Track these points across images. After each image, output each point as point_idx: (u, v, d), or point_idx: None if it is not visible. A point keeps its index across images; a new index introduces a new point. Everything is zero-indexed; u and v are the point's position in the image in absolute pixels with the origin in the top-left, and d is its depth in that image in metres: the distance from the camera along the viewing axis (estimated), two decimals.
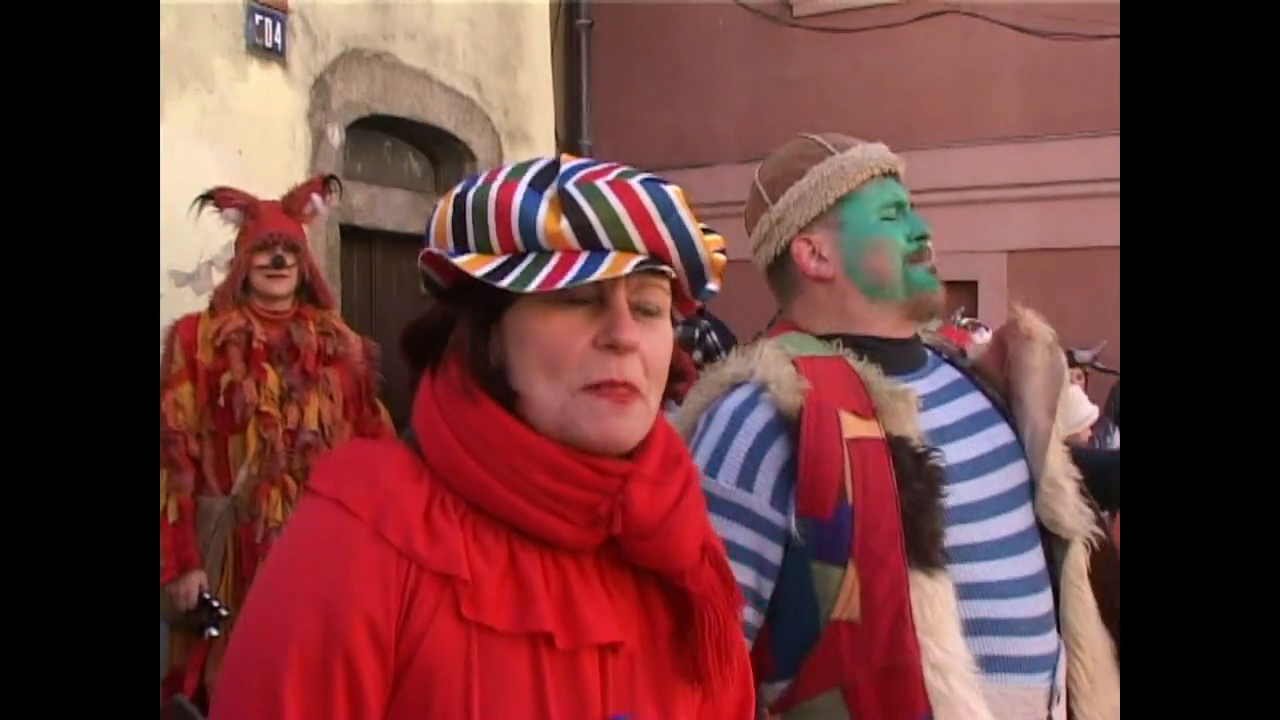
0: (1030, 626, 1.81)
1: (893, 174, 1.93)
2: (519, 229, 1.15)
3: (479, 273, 1.15)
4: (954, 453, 1.81)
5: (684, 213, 1.19)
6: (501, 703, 1.12)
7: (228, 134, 4.43)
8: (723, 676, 1.26)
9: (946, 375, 1.95)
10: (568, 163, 1.20)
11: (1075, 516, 1.90)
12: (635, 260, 1.15)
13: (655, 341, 1.20)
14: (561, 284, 1.12)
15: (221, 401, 3.71)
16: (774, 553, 1.75)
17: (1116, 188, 3.41)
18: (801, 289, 1.95)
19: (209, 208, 3.90)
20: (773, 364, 1.79)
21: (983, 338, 3.62)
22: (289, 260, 3.85)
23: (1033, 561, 1.85)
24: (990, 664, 1.73)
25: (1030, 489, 1.90)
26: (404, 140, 5.91)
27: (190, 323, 3.78)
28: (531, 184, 1.17)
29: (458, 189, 1.22)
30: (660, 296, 1.21)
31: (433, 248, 1.21)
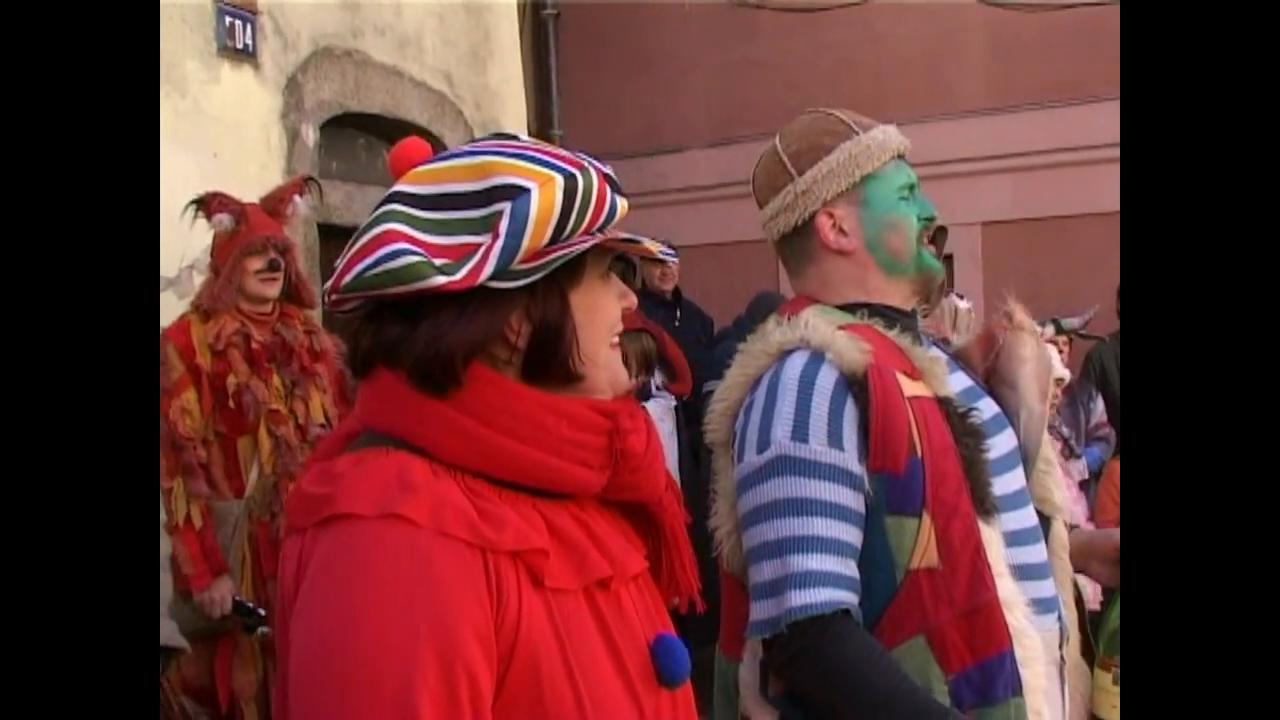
0: (1040, 571, 1.94)
1: (903, 156, 2.02)
2: (609, 209, 1.26)
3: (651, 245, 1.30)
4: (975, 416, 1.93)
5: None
6: (587, 657, 1.18)
7: (203, 137, 4.44)
8: (693, 589, 1.40)
9: (939, 351, 2.04)
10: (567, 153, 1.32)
11: (1061, 495, 2.07)
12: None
13: None
14: (644, 245, 1.30)
15: (231, 404, 3.70)
16: (864, 507, 1.81)
17: (1086, 155, 3.44)
18: (818, 260, 2.01)
19: (194, 213, 3.90)
20: (824, 329, 1.86)
21: (964, 306, 3.73)
22: (281, 263, 3.87)
23: (1032, 515, 1.97)
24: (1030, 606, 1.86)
25: (1019, 457, 2.00)
26: (378, 137, 5.92)
27: (182, 328, 3.77)
28: (606, 175, 1.28)
29: (559, 176, 1.21)
30: None
31: (532, 245, 1.20)
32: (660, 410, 4.98)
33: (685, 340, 5.96)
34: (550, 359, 1.23)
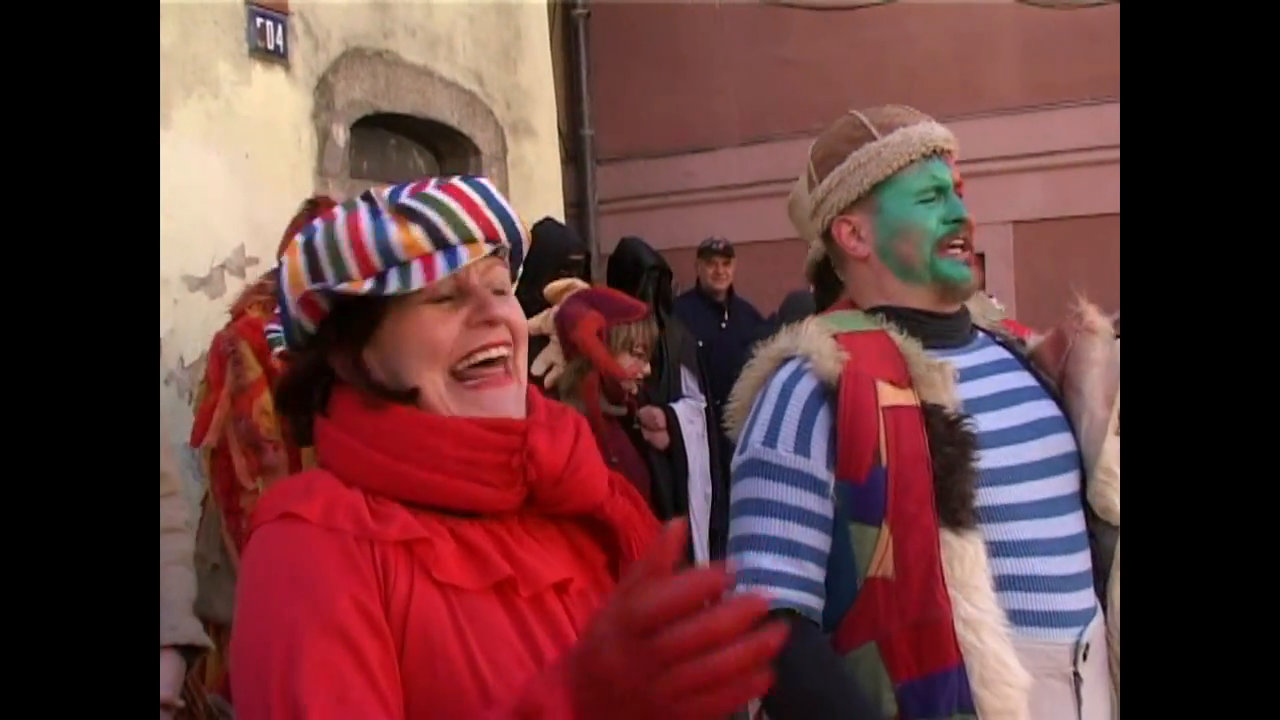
0: (1063, 584, 1.89)
1: (940, 152, 1.98)
2: (376, 249, 1.30)
3: (365, 288, 1.29)
4: (987, 422, 1.90)
5: (500, 198, 1.37)
6: (497, 649, 1.22)
7: (234, 138, 4.46)
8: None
9: (991, 354, 2.04)
10: (384, 190, 1.36)
11: None
12: (487, 247, 1.33)
13: (515, 311, 1.37)
14: (440, 275, 1.28)
15: None
16: (831, 513, 1.87)
17: (1118, 155, 3.42)
18: (844, 265, 2.09)
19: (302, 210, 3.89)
20: (815, 338, 1.93)
21: (997, 307, 3.67)
22: None
23: (1069, 524, 1.93)
24: (1017, 618, 1.83)
25: (1075, 463, 1.98)
26: (408, 137, 5.94)
27: (254, 325, 3.71)
28: (371, 212, 1.33)
29: (300, 239, 1.36)
30: (503, 274, 1.39)
31: (293, 294, 1.34)
32: (690, 411, 4.95)
33: (731, 342, 5.88)
34: (353, 377, 1.32)
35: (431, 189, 1.33)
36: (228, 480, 3.62)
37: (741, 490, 1.93)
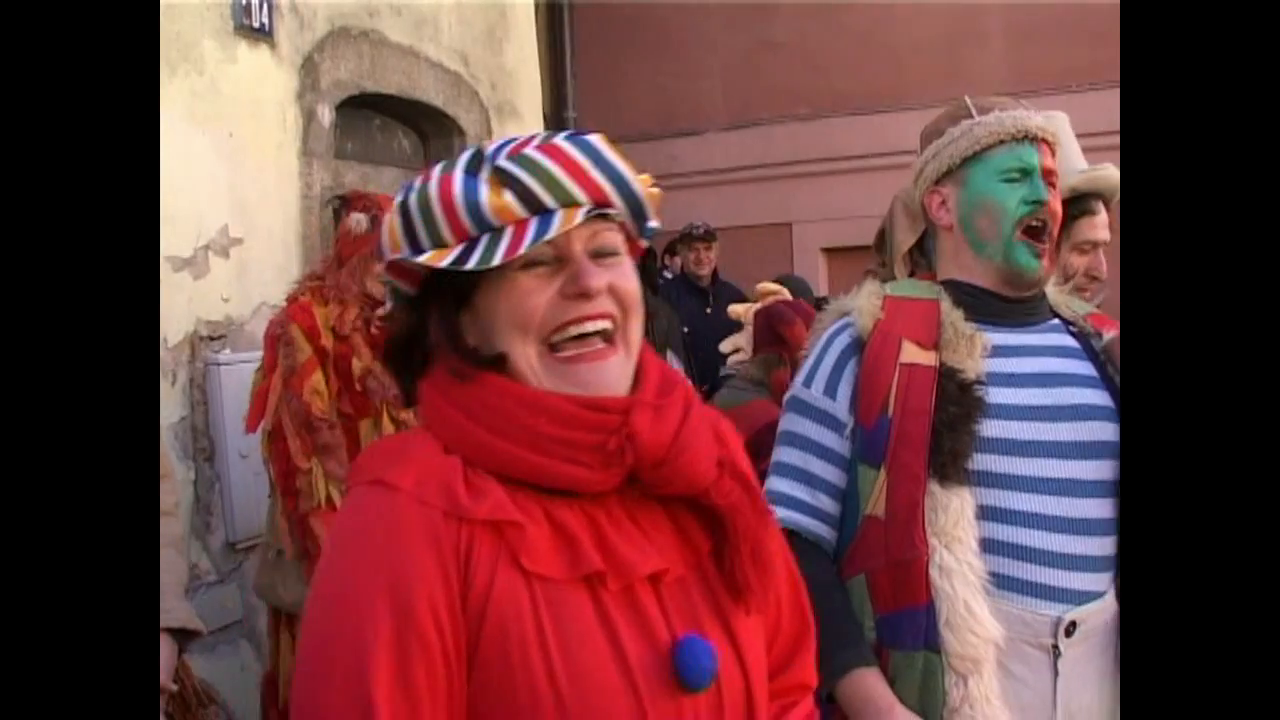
0: (1061, 560, 1.97)
1: (1034, 138, 2.11)
2: (467, 214, 1.23)
3: (444, 263, 1.22)
4: (1012, 396, 2.03)
5: (611, 156, 1.28)
6: (576, 644, 1.18)
7: (219, 116, 4.39)
8: (763, 584, 1.33)
9: (1053, 339, 2.16)
10: (489, 145, 1.29)
11: None
12: (582, 211, 1.23)
13: (622, 276, 1.29)
14: (522, 249, 1.20)
15: (358, 386, 3.68)
16: (848, 452, 2.07)
17: (1104, 141, 3.43)
18: (935, 233, 2.25)
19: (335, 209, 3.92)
20: (864, 299, 2.15)
21: None
22: None
23: (1088, 508, 2.00)
24: (1001, 581, 1.95)
25: (1112, 453, 2.03)
26: (393, 118, 5.88)
27: (304, 309, 3.71)
28: (466, 171, 1.25)
29: (399, 198, 1.30)
30: (614, 238, 1.30)
31: (390, 257, 1.29)
32: None
33: (717, 326, 5.87)
34: (447, 342, 1.28)
35: (530, 149, 1.25)
36: (284, 462, 3.59)
37: (781, 423, 2.18)
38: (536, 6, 7.06)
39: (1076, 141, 2.82)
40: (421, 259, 1.24)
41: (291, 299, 3.80)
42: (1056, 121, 2.72)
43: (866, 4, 8.00)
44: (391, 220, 1.29)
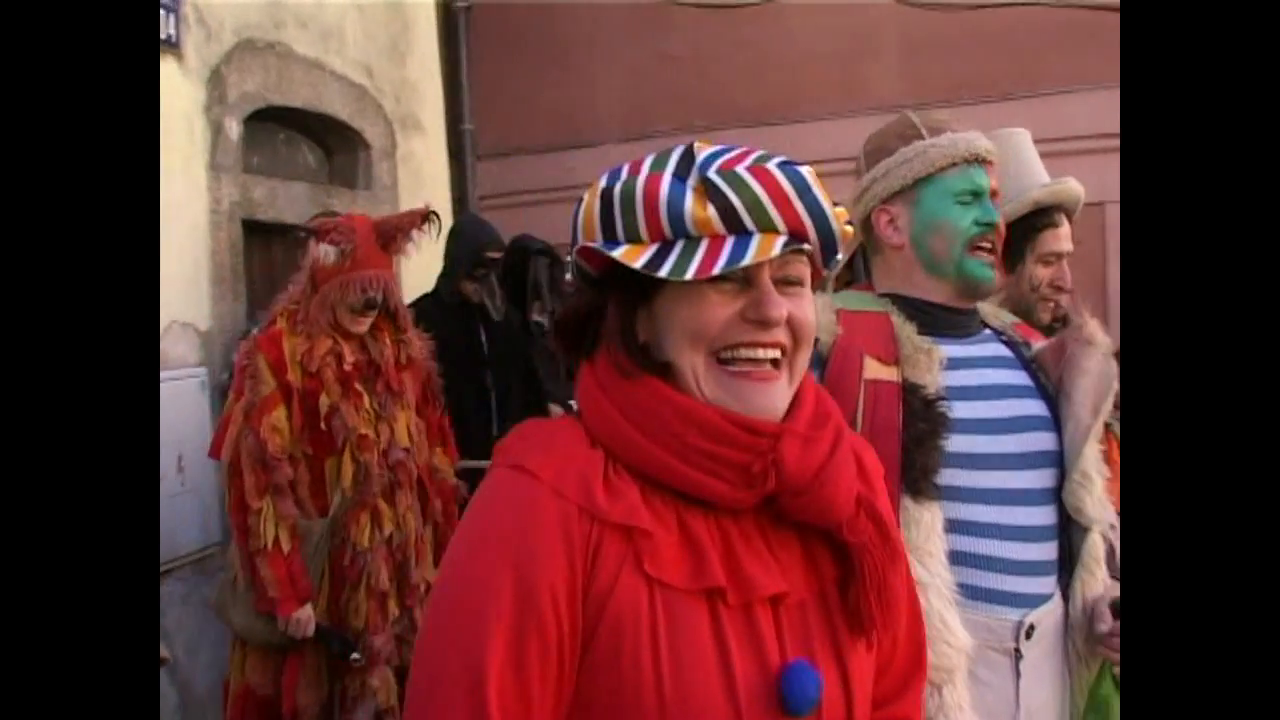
0: (1018, 567, 2.02)
1: (980, 160, 2.13)
2: (668, 218, 1.23)
3: (637, 264, 1.22)
4: (968, 410, 2.03)
5: (818, 191, 1.27)
6: (687, 654, 1.20)
7: None
8: (885, 622, 1.33)
9: (990, 349, 2.18)
10: (703, 151, 1.28)
11: (1097, 508, 2.10)
12: (780, 242, 1.23)
13: (802, 309, 1.29)
14: (716, 270, 1.20)
15: (323, 425, 3.61)
16: None
17: None
18: (879, 250, 2.23)
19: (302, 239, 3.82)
20: (820, 314, 2.03)
21: None
22: (378, 301, 3.77)
23: (1037, 515, 2.06)
24: (967, 590, 1.97)
25: (1054, 461, 2.09)
26: (298, 131, 5.79)
27: (274, 340, 3.65)
28: (675, 174, 1.25)
29: (603, 183, 1.30)
30: (801, 269, 1.30)
31: (584, 241, 1.30)
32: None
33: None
34: (620, 341, 1.29)
35: (741, 168, 1.25)
36: (238, 496, 3.53)
37: None
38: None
39: (1037, 154, 2.88)
40: (615, 254, 1.24)
41: (270, 321, 3.74)
42: (1018, 137, 2.81)
43: (760, 16, 8.08)
44: (590, 204, 1.30)
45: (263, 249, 5.46)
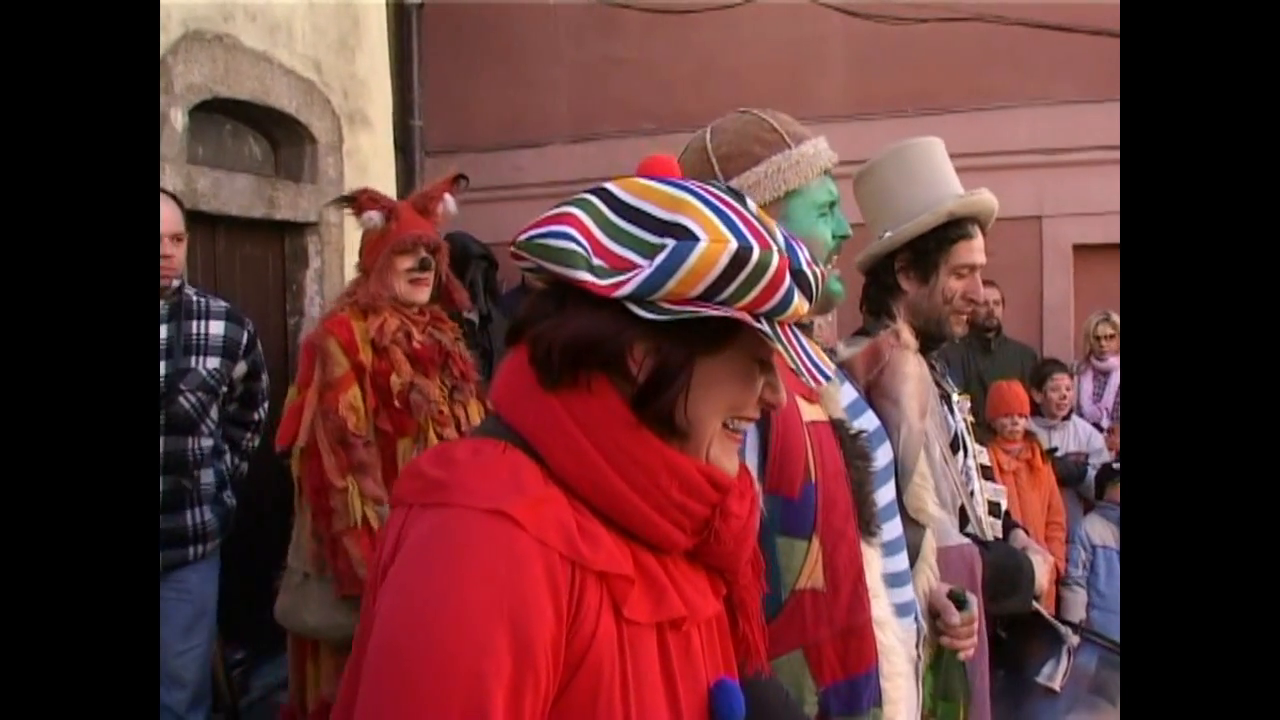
0: (904, 579, 2.06)
1: (828, 171, 2.04)
2: (780, 300, 1.25)
3: (760, 324, 1.25)
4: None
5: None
6: (646, 687, 1.22)
7: None
8: (761, 649, 1.45)
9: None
10: (797, 243, 1.32)
11: (936, 506, 2.19)
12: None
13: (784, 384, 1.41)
14: (796, 364, 1.28)
15: (397, 403, 3.56)
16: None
17: (959, 163, 3.57)
18: None
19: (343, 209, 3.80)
20: None
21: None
22: (432, 262, 3.75)
23: (897, 526, 2.09)
24: (895, 610, 1.98)
25: (894, 470, 2.12)
26: (244, 123, 5.78)
27: (343, 323, 3.61)
28: (793, 267, 1.27)
29: (734, 242, 1.23)
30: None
31: (675, 289, 1.22)
32: None
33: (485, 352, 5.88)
34: (653, 400, 1.24)
35: (805, 264, 1.29)
36: (318, 479, 3.46)
37: None
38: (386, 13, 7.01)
39: (951, 164, 2.85)
40: (734, 311, 1.24)
41: (330, 314, 3.72)
42: (933, 146, 2.79)
43: (710, 22, 8.14)
44: (713, 255, 1.22)
45: (205, 239, 5.45)
